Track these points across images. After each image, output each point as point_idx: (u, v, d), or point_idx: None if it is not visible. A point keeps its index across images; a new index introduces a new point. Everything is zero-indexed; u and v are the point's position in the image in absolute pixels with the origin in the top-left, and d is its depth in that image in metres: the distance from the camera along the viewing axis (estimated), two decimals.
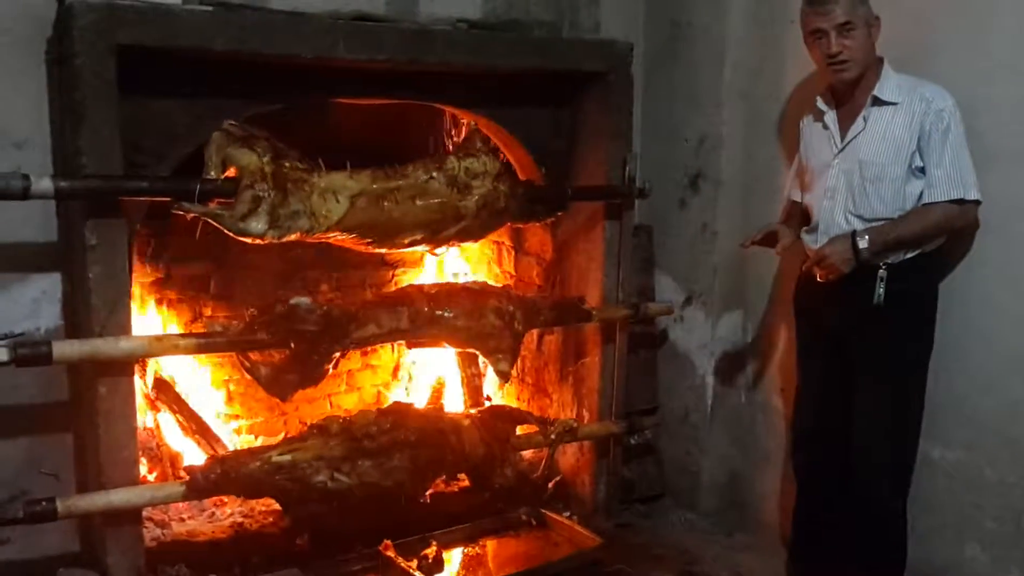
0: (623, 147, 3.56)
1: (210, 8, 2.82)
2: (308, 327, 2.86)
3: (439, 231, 3.09)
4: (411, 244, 3.10)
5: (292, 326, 2.84)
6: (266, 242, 2.80)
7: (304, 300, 2.90)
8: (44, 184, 2.47)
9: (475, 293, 3.28)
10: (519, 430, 3.45)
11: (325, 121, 3.64)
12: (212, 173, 2.72)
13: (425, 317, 3.12)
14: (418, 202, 3.01)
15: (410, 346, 3.35)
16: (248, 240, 2.77)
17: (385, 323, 3.06)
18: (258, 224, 2.74)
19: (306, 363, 2.89)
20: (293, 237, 2.84)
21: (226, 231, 2.74)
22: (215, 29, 2.73)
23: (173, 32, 2.67)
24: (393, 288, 4.24)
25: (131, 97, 2.73)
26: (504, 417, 3.42)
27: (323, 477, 2.89)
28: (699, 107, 3.72)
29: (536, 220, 3.39)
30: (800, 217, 3.18)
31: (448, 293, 3.25)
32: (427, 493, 3.22)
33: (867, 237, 2.75)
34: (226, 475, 2.79)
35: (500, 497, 3.41)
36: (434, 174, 3.05)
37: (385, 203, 2.95)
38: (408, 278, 4.32)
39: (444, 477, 3.28)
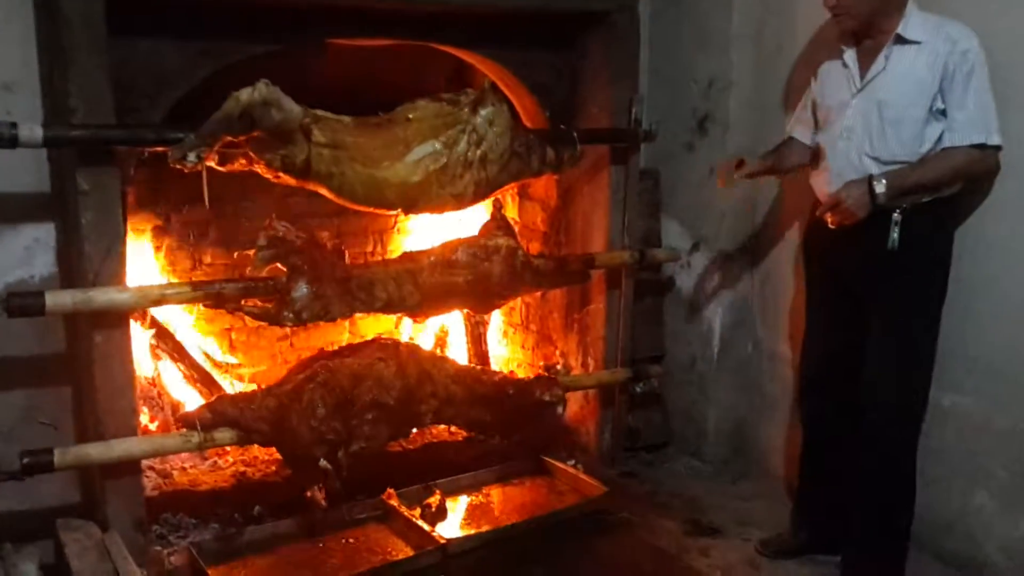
0: (629, 90, 3.48)
1: None
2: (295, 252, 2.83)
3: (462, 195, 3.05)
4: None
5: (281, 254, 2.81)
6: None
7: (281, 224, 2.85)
8: (32, 132, 2.41)
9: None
10: None
11: (319, 66, 3.55)
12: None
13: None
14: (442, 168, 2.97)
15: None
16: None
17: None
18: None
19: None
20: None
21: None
22: None
23: None
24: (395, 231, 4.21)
25: (122, 38, 2.66)
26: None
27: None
28: (707, 48, 3.62)
29: (550, 172, 3.29)
30: (792, 155, 3.10)
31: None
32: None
33: (884, 181, 2.66)
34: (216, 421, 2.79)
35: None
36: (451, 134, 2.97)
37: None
38: (410, 226, 4.26)
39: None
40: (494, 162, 3.04)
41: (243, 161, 2.70)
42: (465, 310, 3.37)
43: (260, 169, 2.73)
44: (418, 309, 3.08)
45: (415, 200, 2.96)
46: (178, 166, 2.58)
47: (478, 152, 3.00)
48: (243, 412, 2.85)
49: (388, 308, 3.05)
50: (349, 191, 2.85)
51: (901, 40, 2.70)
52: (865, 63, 2.78)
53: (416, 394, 3.08)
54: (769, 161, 3.15)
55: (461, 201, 3.06)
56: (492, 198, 3.26)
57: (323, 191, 2.83)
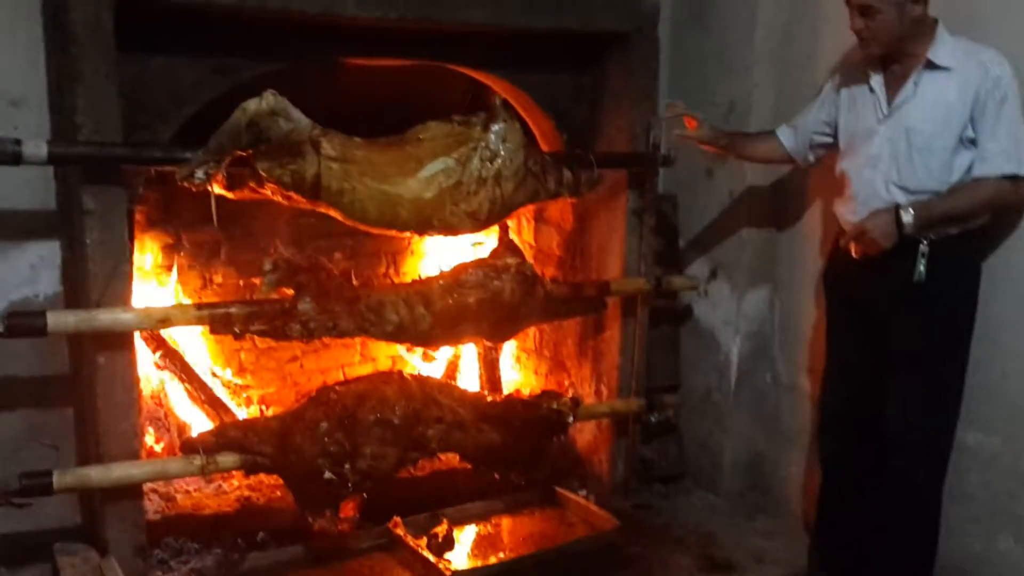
0: (648, 112, 3.42)
1: None
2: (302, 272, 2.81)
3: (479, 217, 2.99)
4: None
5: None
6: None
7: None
8: (37, 149, 2.37)
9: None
10: None
11: (332, 84, 3.51)
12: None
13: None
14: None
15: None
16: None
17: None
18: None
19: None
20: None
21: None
22: None
23: None
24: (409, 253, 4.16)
25: (133, 55, 2.64)
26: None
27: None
28: (729, 71, 3.56)
29: (568, 195, 3.20)
30: (759, 147, 3.18)
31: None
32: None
33: (912, 212, 2.57)
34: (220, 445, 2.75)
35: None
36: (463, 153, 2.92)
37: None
38: (423, 246, 4.21)
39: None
40: (509, 179, 2.97)
41: (252, 185, 2.65)
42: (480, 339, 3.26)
43: (270, 191, 2.67)
44: (430, 335, 3.01)
45: (428, 218, 2.88)
46: (186, 184, 2.54)
47: (492, 169, 2.93)
48: (247, 435, 2.82)
49: (399, 333, 2.98)
50: (361, 210, 2.77)
51: (931, 66, 2.62)
52: (893, 89, 2.70)
53: (422, 416, 3.02)
54: (725, 140, 3.21)
55: (476, 220, 2.97)
56: (508, 219, 3.20)
57: (334, 212, 2.77)
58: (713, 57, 3.61)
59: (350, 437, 2.84)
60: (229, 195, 2.69)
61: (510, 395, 3.38)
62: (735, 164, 3.56)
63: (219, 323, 2.63)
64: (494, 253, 3.20)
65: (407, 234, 3.03)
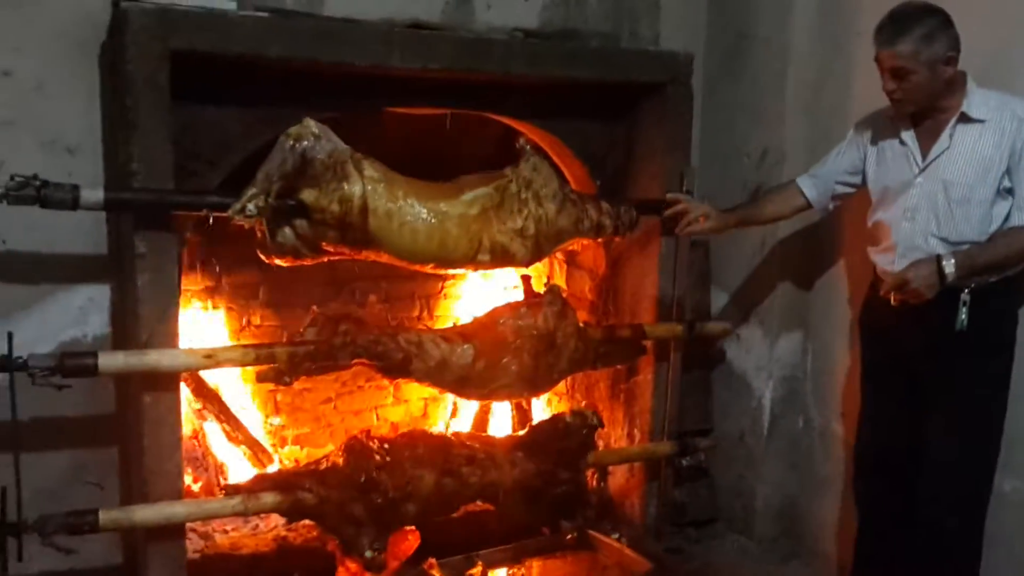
0: (681, 160, 3.47)
1: (265, 14, 2.78)
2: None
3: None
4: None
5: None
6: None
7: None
8: (94, 195, 2.45)
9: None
10: None
11: (370, 133, 3.59)
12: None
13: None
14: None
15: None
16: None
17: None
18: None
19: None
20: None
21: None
22: (270, 36, 2.69)
23: (227, 38, 2.64)
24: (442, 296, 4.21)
25: (184, 104, 2.70)
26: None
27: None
28: (761, 121, 3.63)
29: (611, 231, 3.24)
30: (775, 199, 3.21)
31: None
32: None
33: (954, 261, 2.60)
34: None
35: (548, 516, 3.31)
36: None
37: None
38: (457, 289, 4.27)
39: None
40: (548, 200, 3.03)
41: (301, 236, 2.70)
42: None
43: (320, 236, 2.71)
44: (471, 373, 3.02)
45: (479, 236, 2.89)
46: (237, 219, 2.58)
47: (530, 192, 3.01)
48: (286, 476, 2.85)
49: (442, 370, 2.99)
50: (411, 232, 2.77)
51: (966, 119, 2.67)
52: (926, 142, 2.75)
53: (453, 453, 3.08)
54: (734, 219, 3.21)
55: (525, 239, 2.99)
56: (556, 252, 3.24)
57: (384, 248, 2.78)
58: (745, 107, 3.68)
59: (391, 476, 2.88)
60: (282, 263, 2.75)
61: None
62: None
63: (265, 361, 2.68)
64: (527, 293, 3.27)
65: (459, 269, 3.07)
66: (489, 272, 4.15)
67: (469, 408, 4.17)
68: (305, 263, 2.79)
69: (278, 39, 2.70)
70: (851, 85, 3.39)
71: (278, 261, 2.75)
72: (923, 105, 2.70)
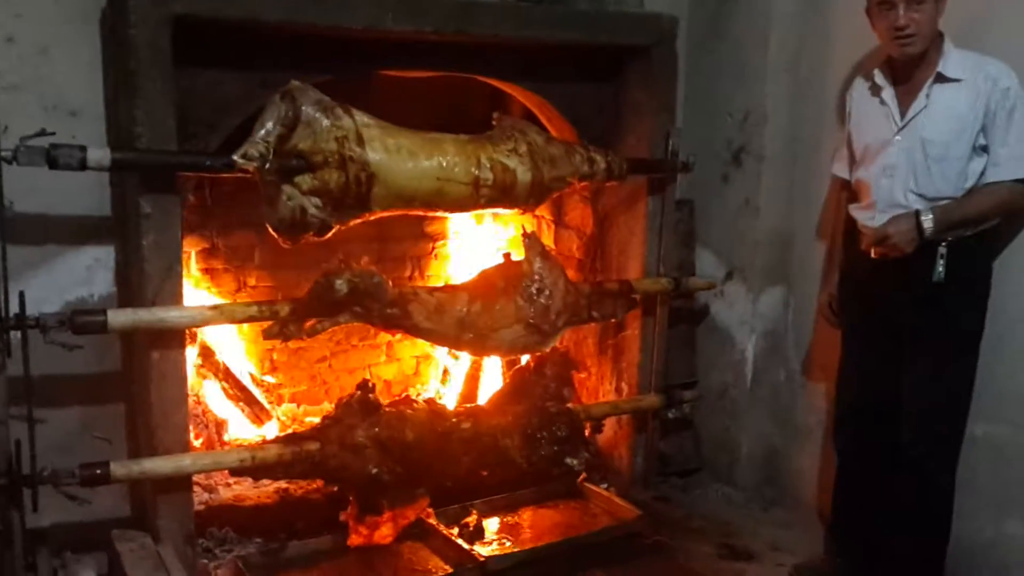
0: (667, 122, 3.55)
1: None
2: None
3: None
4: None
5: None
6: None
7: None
8: (101, 155, 2.50)
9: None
10: None
11: (364, 95, 3.65)
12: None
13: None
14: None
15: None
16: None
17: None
18: None
19: None
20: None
21: None
22: (269, 0, 2.75)
23: (227, 3, 2.71)
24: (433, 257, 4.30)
25: (183, 68, 2.76)
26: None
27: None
28: (744, 82, 3.71)
29: (604, 174, 3.29)
30: (843, 218, 3.19)
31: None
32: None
33: (931, 216, 2.72)
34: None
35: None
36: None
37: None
38: (447, 252, 4.36)
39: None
40: (535, 134, 3.13)
41: (304, 199, 2.70)
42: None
43: (324, 185, 2.70)
44: (468, 317, 3.08)
45: (476, 154, 2.93)
46: (242, 164, 2.59)
47: (517, 130, 3.10)
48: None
49: (440, 312, 3.06)
50: (409, 156, 2.79)
51: (942, 78, 2.77)
52: (905, 101, 2.85)
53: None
54: (837, 272, 3.25)
55: (521, 156, 3.03)
56: (554, 189, 3.20)
57: (387, 184, 2.76)
58: (728, 69, 3.76)
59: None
60: (291, 241, 2.78)
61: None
62: (750, 170, 3.72)
63: (270, 316, 2.77)
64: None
65: (464, 202, 2.97)
66: (484, 216, 4.24)
67: (458, 375, 4.26)
68: (314, 239, 2.78)
69: (276, 4, 2.76)
70: (832, 46, 3.48)
71: (288, 239, 2.76)
72: (926, 44, 2.75)
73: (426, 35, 3.04)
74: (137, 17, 2.58)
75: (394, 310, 2.92)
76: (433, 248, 4.33)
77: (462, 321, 3.04)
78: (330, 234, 2.80)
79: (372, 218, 2.88)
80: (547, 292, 3.16)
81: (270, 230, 2.74)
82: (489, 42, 3.22)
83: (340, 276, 2.81)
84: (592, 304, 3.32)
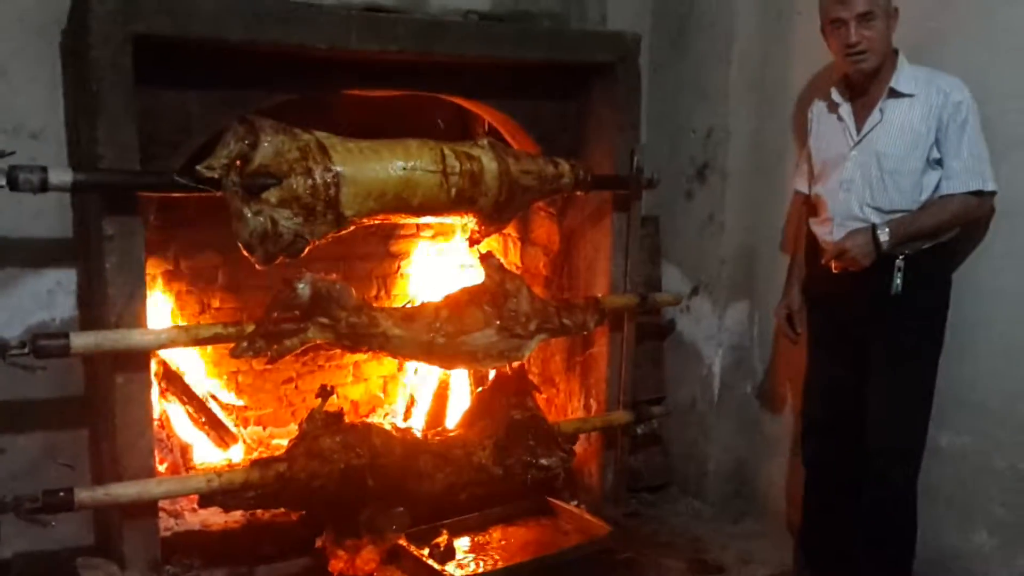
0: (631, 138, 3.58)
1: None
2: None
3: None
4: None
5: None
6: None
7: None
8: (62, 176, 2.47)
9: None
10: None
11: (329, 114, 3.64)
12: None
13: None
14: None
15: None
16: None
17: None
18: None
19: None
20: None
21: None
22: (231, 19, 2.73)
23: (189, 22, 2.68)
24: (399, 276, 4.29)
25: (146, 87, 2.73)
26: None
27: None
28: (706, 99, 3.75)
29: (572, 182, 3.29)
30: (803, 234, 3.24)
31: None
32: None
33: (888, 230, 2.77)
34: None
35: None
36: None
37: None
38: (413, 269, 4.35)
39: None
40: (503, 149, 3.13)
41: (274, 211, 2.67)
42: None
43: (291, 195, 2.67)
44: (437, 319, 3.07)
45: (439, 147, 2.94)
46: (207, 174, 2.59)
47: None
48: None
49: (415, 315, 3.05)
50: (374, 154, 2.80)
51: (895, 93, 2.83)
52: (861, 116, 2.91)
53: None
54: (797, 286, 3.28)
55: (483, 148, 3.05)
56: (526, 187, 3.17)
57: (355, 181, 2.75)
58: (691, 86, 3.80)
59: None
60: (263, 262, 2.73)
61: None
62: (714, 186, 3.75)
63: (237, 337, 2.73)
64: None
65: (433, 199, 2.92)
66: (451, 236, 4.23)
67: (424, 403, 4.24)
68: (287, 259, 2.76)
69: (239, 23, 2.74)
70: (792, 63, 3.53)
71: (262, 257, 2.70)
72: (879, 60, 2.81)
73: (391, 54, 3.04)
74: (98, 37, 2.56)
75: (362, 317, 2.88)
76: (399, 267, 4.32)
77: (432, 326, 3.01)
78: (304, 252, 2.77)
79: (345, 229, 2.84)
80: (513, 298, 3.16)
81: (243, 250, 2.69)
82: (453, 61, 3.23)
83: (302, 280, 2.79)
84: (561, 313, 3.31)
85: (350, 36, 2.92)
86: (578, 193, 3.39)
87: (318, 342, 2.85)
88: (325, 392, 3.01)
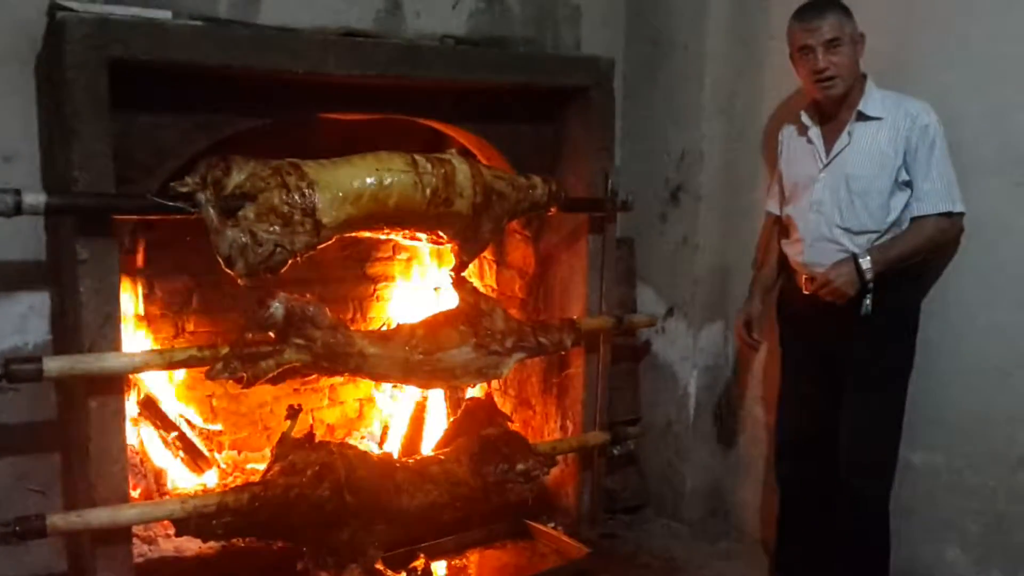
0: (605, 162, 3.61)
1: (200, 23, 2.84)
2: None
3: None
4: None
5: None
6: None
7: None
8: (36, 199, 2.45)
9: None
10: None
11: (305, 138, 3.64)
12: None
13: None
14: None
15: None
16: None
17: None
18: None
19: None
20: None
21: None
22: (207, 44, 2.74)
23: (165, 46, 2.67)
24: (375, 299, 4.28)
25: (121, 111, 2.72)
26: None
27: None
28: (680, 122, 3.79)
29: (548, 198, 3.29)
30: (773, 254, 3.31)
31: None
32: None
33: (869, 259, 2.81)
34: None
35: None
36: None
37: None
38: (389, 292, 4.35)
39: None
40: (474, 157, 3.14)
41: (253, 225, 2.65)
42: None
43: (267, 208, 2.66)
44: (414, 334, 3.06)
45: (410, 153, 2.95)
46: (181, 189, 2.58)
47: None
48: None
49: (392, 335, 3.05)
50: (346, 163, 2.81)
51: (863, 117, 2.88)
52: (830, 139, 2.96)
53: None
54: (760, 292, 3.35)
55: (455, 156, 3.06)
56: (500, 195, 3.16)
57: (328, 187, 2.74)
58: (665, 109, 3.84)
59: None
60: (246, 278, 2.69)
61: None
62: (688, 208, 3.79)
63: (212, 360, 2.71)
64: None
65: (412, 204, 2.89)
66: (425, 257, 4.24)
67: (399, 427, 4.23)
68: (269, 275, 2.73)
69: (215, 47, 2.74)
70: (763, 87, 3.58)
71: (244, 273, 2.67)
72: (847, 85, 2.87)
73: (368, 79, 3.05)
74: (73, 61, 2.54)
75: (337, 337, 2.86)
76: (375, 290, 4.32)
77: (409, 344, 3.00)
78: (286, 266, 2.74)
79: (325, 241, 2.79)
80: (488, 317, 3.17)
81: (223, 265, 2.65)
82: (430, 85, 3.25)
83: (275, 299, 2.78)
84: (537, 332, 3.32)
85: (327, 61, 2.93)
86: (552, 213, 3.39)
87: (295, 364, 2.83)
88: (294, 412, 2.99)
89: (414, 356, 3.01)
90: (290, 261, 2.73)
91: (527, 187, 3.23)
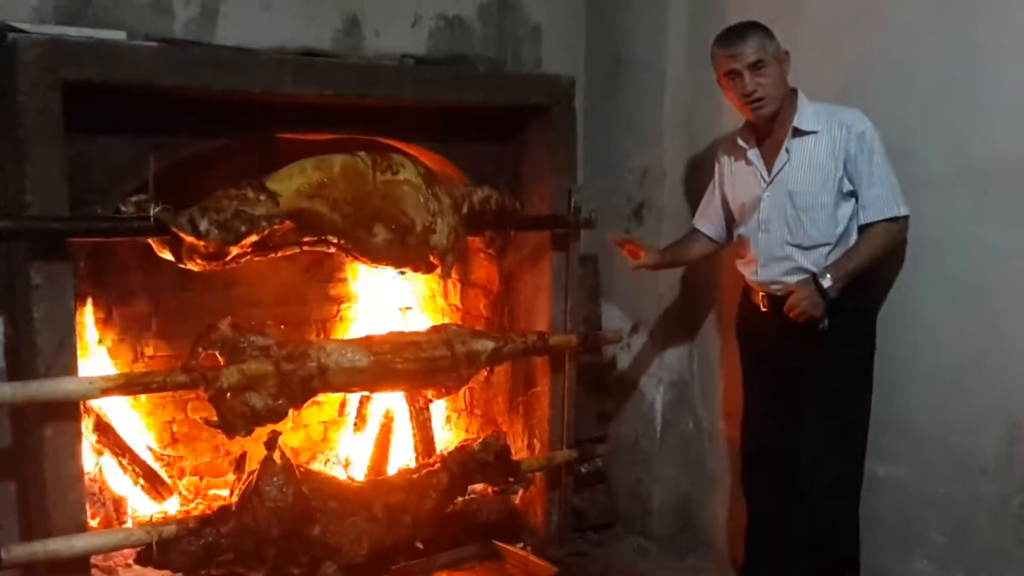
0: (568, 179, 3.61)
1: (155, 44, 2.81)
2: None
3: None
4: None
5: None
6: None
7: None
8: None
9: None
10: None
11: (265, 159, 3.62)
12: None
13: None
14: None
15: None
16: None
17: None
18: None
19: None
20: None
21: None
22: (163, 65, 2.72)
23: (119, 68, 2.65)
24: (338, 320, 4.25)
25: (75, 133, 2.69)
26: None
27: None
28: (641, 139, 3.81)
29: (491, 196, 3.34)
30: (695, 247, 3.36)
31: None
32: None
33: (828, 275, 2.83)
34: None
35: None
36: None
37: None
38: (353, 314, 4.31)
39: None
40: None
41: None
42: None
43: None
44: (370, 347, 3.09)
45: (370, 154, 3.05)
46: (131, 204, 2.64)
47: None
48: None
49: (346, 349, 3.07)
50: (307, 162, 2.90)
51: (799, 132, 2.91)
52: (769, 158, 2.98)
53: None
54: (668, 256, 3.39)
55: (413, 160, 3.15)
56: (448, 192, 3.23)
57: (291, 195, 2.83)
58: (626, 127, 3.86)
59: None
60: (200, 264, 2.75)
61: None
62: (651, 225, 3.80)
63: (171, 386, 2.69)
64: None
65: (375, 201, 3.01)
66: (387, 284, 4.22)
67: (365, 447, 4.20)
68: (235, 243, 2.74)
69: (171, 68, 2.73)
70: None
71: (215, 244, 2.71)
72: (778, 104, 2.90)
73: (326, 98, 3.04)
74: (26, 83, 2.52)
75: (293, 348, 2.94)
76: (338, 311, 4.28)
77: (371, 348, 3.05)
78: (254, 237, 2.75)
79: (282, 218, 2.80)
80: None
81: (189, 239, 2.65)
82: (390, 104, 3.24)
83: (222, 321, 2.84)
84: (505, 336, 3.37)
85: (285, 81, 2.92)
86: (515, 232, 3.40)
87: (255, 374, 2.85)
88: (274, 439, 2.96)
89: (379, 358, 3.05)
90: (255, 235, 2.73)
91: (475, 182, 3.31)
